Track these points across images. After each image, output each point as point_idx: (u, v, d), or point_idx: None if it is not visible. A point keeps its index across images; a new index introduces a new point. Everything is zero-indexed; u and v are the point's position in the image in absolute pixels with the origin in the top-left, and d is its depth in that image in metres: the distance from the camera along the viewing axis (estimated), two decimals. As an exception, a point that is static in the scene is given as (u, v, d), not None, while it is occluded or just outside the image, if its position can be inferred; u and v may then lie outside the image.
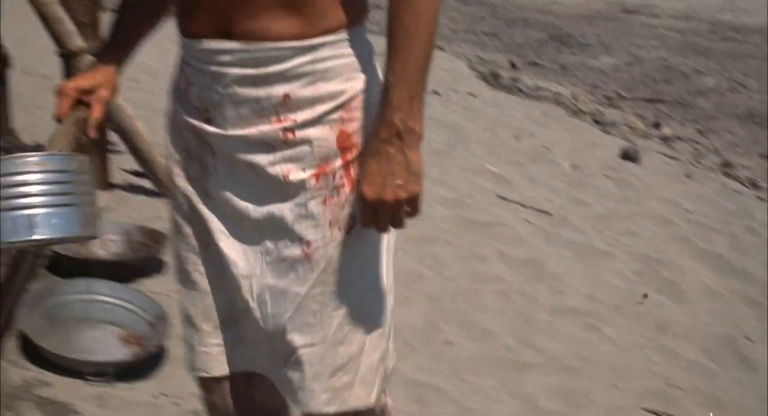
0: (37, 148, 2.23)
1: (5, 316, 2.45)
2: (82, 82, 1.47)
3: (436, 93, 6.44)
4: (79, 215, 1.26)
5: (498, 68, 8.21)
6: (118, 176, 3.68)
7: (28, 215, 1.21)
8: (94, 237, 1.35)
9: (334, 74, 1.26)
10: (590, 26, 11.29)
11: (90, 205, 1.29)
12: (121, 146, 3.68)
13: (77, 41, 3.37)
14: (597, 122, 6.78)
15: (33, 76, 4.44)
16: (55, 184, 1.24)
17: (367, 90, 1.29)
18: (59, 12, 3.43)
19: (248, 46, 1.24)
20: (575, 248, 3.96)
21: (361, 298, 1.34)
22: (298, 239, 1.30)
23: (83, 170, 1.30)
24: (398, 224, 1.26)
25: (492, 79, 7.69)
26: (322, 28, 1.25)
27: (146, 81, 4.70)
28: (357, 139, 1.28)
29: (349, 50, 1.28)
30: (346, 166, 1.28)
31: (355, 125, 1.28)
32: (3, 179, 1.21)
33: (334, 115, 1.27)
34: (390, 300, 1.39)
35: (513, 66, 8.54)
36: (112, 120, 3.56)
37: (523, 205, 4.38)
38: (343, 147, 1.28)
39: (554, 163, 5.26)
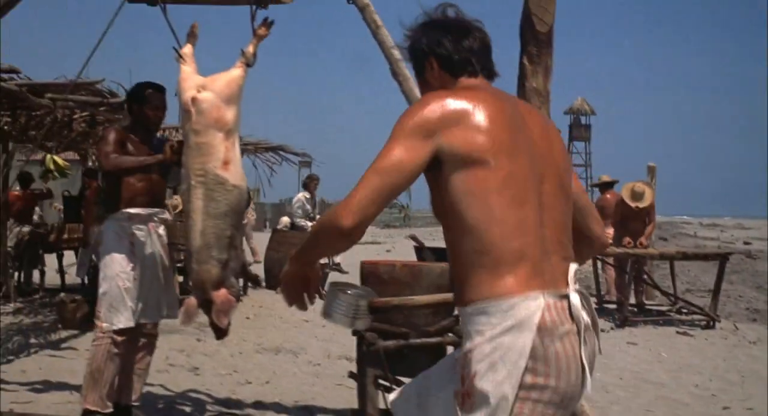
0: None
1: None
2: None
3: None
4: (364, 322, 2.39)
5: None
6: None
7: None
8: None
9: (467, 332, 1.95)
10: None
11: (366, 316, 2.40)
12: None
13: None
14: None
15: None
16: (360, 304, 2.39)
17: (479, 351, 1.89)
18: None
19: None
20: None
21: None
22: None
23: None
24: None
25: None
26: (463, 301, 1.97)
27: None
28: (467, 379, 1.91)
29: (475, 318, 1.92)
30: (459, 387, 1.94)
31: (465, 370, 1.92)
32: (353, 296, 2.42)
33: (463, 358, 1.95)
34: None
35: None
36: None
37: None
38: (461, 375, 1.94)
39: None
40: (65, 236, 10.45)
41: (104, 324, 4.25)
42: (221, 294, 4.01)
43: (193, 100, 3.96)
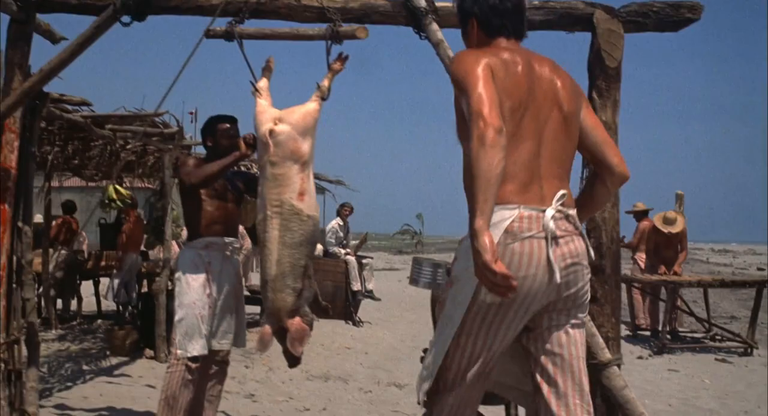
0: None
1: None
2: None
3: None
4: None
5: None
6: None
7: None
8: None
9: None
10: None
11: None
12: None
13: (606, 354, 3.84)
14: None
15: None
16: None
17: (461, 245, 2.49)
18: (592, 328, 3.98)
19: None
20: None
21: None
22: None
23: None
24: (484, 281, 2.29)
25: None
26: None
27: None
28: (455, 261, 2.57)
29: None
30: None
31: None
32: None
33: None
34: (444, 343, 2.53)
35: None
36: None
37: None
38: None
39: None
40: (102, 263, 10.56)
41: (179, 351, 4.33)
42: (296, 323, 4.06)
43: (271, 132, 4.05)
